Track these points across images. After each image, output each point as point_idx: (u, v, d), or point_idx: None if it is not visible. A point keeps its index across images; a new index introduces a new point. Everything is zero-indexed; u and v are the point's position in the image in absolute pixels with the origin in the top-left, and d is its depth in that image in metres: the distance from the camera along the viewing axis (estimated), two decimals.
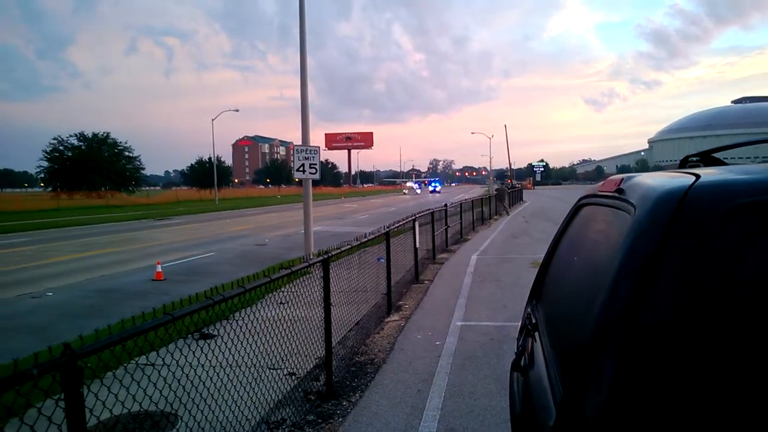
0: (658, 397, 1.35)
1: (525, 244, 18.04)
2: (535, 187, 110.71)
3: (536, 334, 2.39)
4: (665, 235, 1.47)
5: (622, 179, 2.02)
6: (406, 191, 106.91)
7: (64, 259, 16.97)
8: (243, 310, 6.37)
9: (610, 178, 2.27)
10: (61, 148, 68.92)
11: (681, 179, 1.62)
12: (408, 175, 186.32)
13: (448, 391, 5.54)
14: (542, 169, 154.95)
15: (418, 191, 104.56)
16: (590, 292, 1.67)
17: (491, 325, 7.84)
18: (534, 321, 2.55)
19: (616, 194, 1.94)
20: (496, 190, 37.04)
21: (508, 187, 45.75)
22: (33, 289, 11.91)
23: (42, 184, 72.38)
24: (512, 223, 26.93)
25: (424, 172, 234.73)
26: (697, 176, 1.60)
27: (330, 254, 5.86)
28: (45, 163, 68.32)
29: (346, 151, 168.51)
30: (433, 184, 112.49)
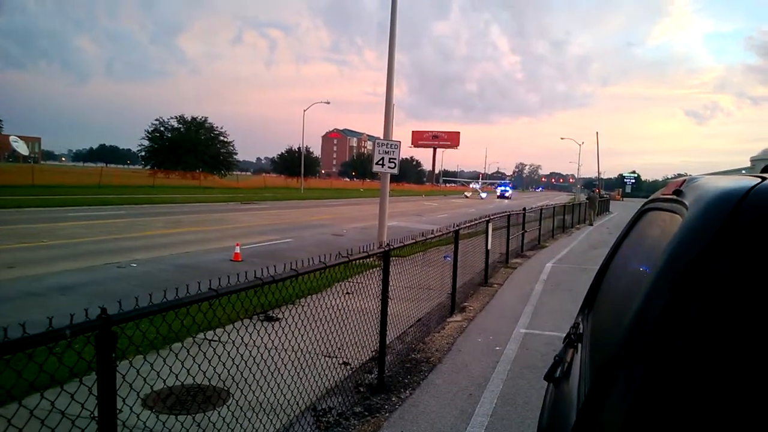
0: (691, 413, 1.18)
1: (604, 255, 17.23)
2: (624, 198, 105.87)
3: (579, 345, 2.21)
4: (716, 239, 1.29)
5: (684, 181, 1.82)
6: (468, 194, 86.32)
7: (152, 233, 17.91)
8: (310, 296, 6.46)
9: (674, 180, 2.06)
10: (161, 129, 72.71)
11: (745, 181, 1.42)
12: (497, 176, 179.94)
13: (501, 399, 5.35)
14: (633, 180, 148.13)
15: (483, 196, 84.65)
16: (631, 299, 1.50)
17: (556, 336, 7.51)
18: (580, 331, 2.36)
19: (674, 196, 1.75)
20: (587, 198, 35.74)
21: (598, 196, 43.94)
22: (120, 259, 12.63)
23: (142, 162, 76.59)
24: (594, 233, 25.87)
25: (509, 176, 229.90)
26: (765, 179, 1.40)
27: (391, 247, 5.79)
28: (146, 142, 72.36)
29: (432, 149, 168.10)
30: (501, 188, 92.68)
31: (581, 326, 2.47)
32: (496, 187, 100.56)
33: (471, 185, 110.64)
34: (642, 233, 2.19)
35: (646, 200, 2.51)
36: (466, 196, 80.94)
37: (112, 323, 2.29)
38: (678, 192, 1.73)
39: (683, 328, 1.24)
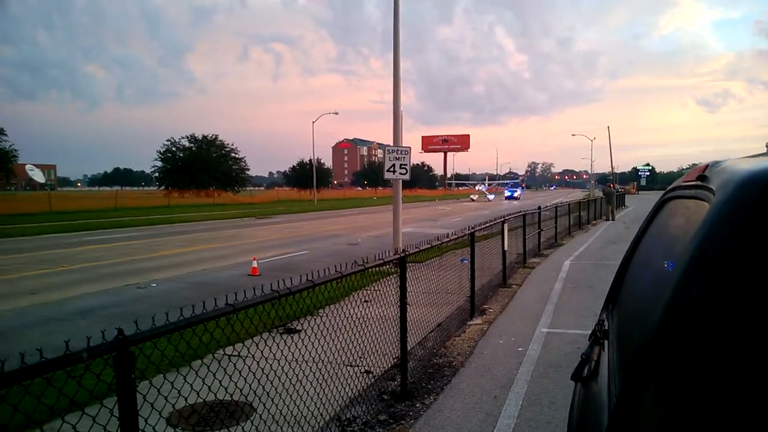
0: (728, 410, 1.12)
1: (623, 250, 17.01)
2: (639, 192, 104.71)
3: (605, 342, 2.15)
4: (747, 222, 1.23)
5: (708, 166, 1.76)
6: (474, 197, 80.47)
7: (170, 252, 18.02)
8: (328, 306, 6.43)
9: (696, 166, 2.00)
10: (173, 149, 73.46)
11: None
12: (510, 177, 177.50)
13: (526, 400, 5.27)
14: (648, 173, 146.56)
15: (491, 198, 79.54)
16: (658, 293, 1.44)
17: (579, 334, 7.40)
18: (605, 328, 2.30)
19: (698, 182, 1.69)
20: (604, 193, 35.39)
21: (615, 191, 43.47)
22: (139, 280, 12.70)
23: (156, 183, 77.34)
24: (611, 228, 25.60)
25: (521, 176, 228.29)
26: None
27: (407, 252, 5.75)
28: (159, 163, 73.10)
29: (442, 153, 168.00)
30: (507, 191, 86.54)
31: (606, 323, 2.40)
32: (505, 189, 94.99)
33: (477, 187, 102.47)
34: (665, 223, 2.13)
35: (665, 190, 2.44)
36: (473, 200, 76.32)
37: (130, 344, 2.27)
38: (702, 177, 1.67)
39: (718, 319, 1.19)
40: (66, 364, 2.02)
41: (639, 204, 53.61)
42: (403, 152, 13.60)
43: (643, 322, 1.55)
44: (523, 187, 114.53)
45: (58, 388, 2.06)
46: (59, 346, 2.11)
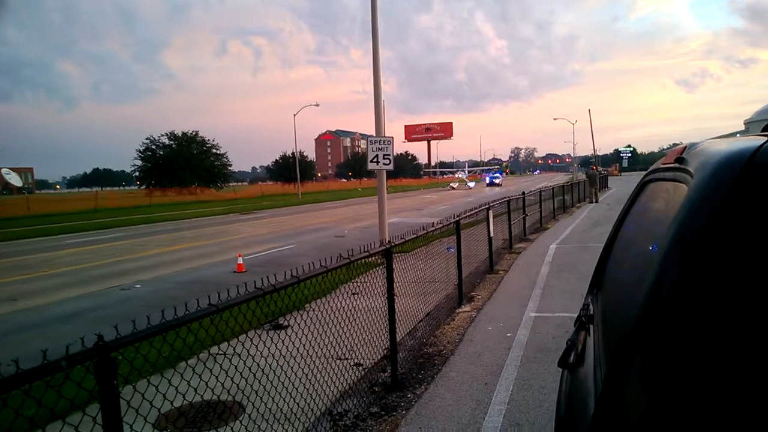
0: (711, 396, 1.11)
1: (607, 232, 17.07)
2: (622, 173, 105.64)
3: (590, 327, 2.14)
4: (726, 204, 1.21)
5: (686, 147, 1.75)
6: (454, 185, 77.81)
7: (153, 252, 17.84)
8: (315, 300, 6.38)
9: (675, 148, 1.99)
10: (153, 147, 72.58)
11: (750, 141, 1.35)
12: (494, 163, 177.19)
13: (516, 385, 5.29)
14: (629, 154, 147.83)
15: (471, 185, 77.02)
16: (641, 277, 1.43)
17: (567, 316, 7.44)
18: (590, 312, 2.29)
19: (677, 164, 1.68)
20: (587, 176, 35.58)
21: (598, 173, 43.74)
22: (123, 281, 12.56)
23: (137, 182, 76.47)
24: (595, 210, 25.82)
25: (505, 161, 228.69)
26: None
27: (393, 244, 5.72)
28: (139, 162, 72.25)
29: (426, 142, 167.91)
30: (489, 176, 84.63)
31: (591, 307, 2.40)
32: (486, 175, 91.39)
33: (457, 174, 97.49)
34: (645, 206, 2.12)
35: (646, 172, 2.43)
36: (452, 188, 74.04)
37: (111, 350, 2.23)
38: (680, 160, 1.66)
39: (700, 301, 1.18)
40: (44, 374, 1.96)
41: (622, 185, 54.07)
42: (386, 142, 13.55)
43: (626, 307, 1.54)
44: (506, 173, 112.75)
45: (37, 399, 2.01)
46: (39, 355, 2.06)
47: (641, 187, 2.43)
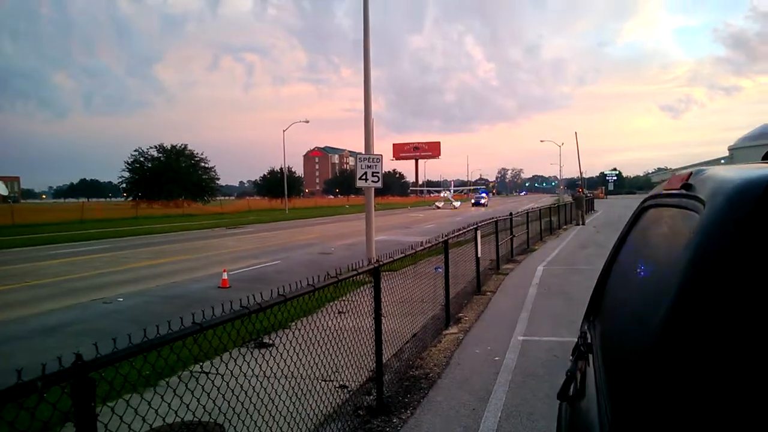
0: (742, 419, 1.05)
1: (595, 255, 17.20)
2: (608, 196, 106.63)
3: (590, 356, 2.07)
4: (743, 234, 1.18)
5: (691, 174, 1.71)
6: (439, 204, 76.67)
7: (138, 265, 17.59)
8: (301, 319, 6.26)
9: (677, 174, 1.95)
10: (141, 159, 72.28)
11: (761, 170, 1.32)
12: (481, 183, 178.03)
13: (505, 412, 5.19)
14: (615, 177, 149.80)
15: (456, 205, 76.00)
16: (651, 306, 1.38)
17: (555, 341, 7.37)
18: (589, 341, 2.23)
19: (683, 191, 1.64)
20: (573, 198, 35.73)
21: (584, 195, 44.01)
22: (106, 294, 12.34)
23: (124, 194, 75.98)
24: (582, 233, 25.91)
25: (492, 181, 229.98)
26: None
27: (381, 262, 5.65)
28: (126, 174, 71.79)
29: (414, 160, 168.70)
30: (475, 197, 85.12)
31: (589, 335, 2.34)
32: (474, 196, 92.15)
33: (442, 194, 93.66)
34: (646, 233, 2.07)
35: (645, 197, 2.39)
36: (438, 207, 72.90)
37: (90, 369, 2.12)
38: (687, 186, 1.61)
39: (717, 331, 1.13)
40: (18, 396, 1.86)
41: (608, 207, 54.49)
42: (375, 160, 13.53)
43: (632, 336, 1.49)
44: (493, 194, 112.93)
45: (9, 422, 1.90)
46: (18, 368, 1.96)
47: (639, 213, 2.39)
